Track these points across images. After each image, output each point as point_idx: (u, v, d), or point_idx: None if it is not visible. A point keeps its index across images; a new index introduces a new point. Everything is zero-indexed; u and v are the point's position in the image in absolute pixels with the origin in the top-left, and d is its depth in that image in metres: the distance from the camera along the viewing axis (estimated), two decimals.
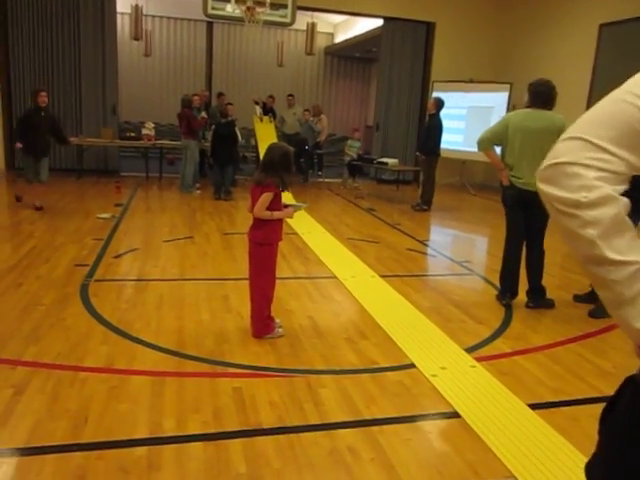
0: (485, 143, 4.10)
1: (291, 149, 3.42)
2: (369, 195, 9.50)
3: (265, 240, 3.32)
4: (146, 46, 12.53)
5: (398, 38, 10.75)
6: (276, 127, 10.13)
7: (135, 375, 2.82)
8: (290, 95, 10.69)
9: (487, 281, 4.87)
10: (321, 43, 15.86)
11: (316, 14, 10.70)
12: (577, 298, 4.46)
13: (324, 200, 9.08)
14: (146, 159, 9.53)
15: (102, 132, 9.17)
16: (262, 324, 3.40)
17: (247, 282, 3.45)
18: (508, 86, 9.87)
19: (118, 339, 3.24)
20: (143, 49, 12.67)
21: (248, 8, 7.39)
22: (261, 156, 9.66)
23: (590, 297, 4.37)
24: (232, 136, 8.16)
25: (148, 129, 9.30)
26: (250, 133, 11.56)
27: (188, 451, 2.22)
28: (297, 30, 15.55)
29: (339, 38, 16.00)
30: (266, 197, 3.24)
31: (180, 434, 2.33)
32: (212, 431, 2.37)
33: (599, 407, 2.71)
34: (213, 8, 7.63)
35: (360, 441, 2.37)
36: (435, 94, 10.22)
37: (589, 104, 8.56)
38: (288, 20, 7.81)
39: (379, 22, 11.99)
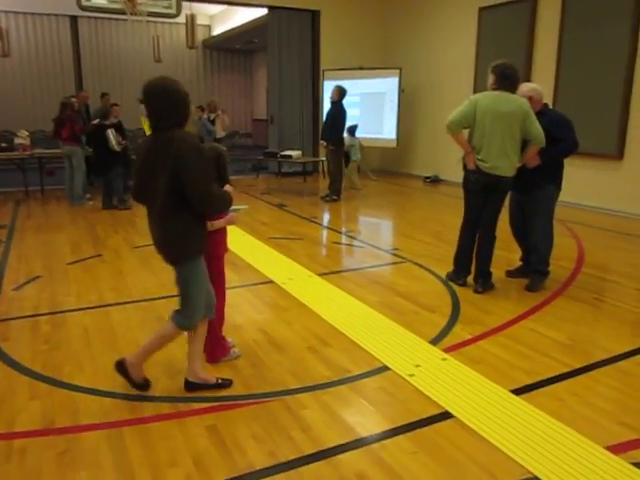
0: (455, 126, 3.96)
1: (224, 149, 3.09)
2: (275, 190, 9.24)
3: (211, 253, 2.97)
4: (2, 46, 11.17)
5: (284, 27, 10.53)
6: None
7: (85, 432, 2.37)
8: None
9: (422, 267, 4.85)
10: (199, 36, 15.22)
11: (192, 5, 10.15)
12: (509, 273, 4.58)
13: None
14: (23, 172, 8.49)
15: None
16: (216, 346, 3.06)
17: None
18: (398, 71, 10.06)
19: (49, 389, 2.74)
20: (0, 49, 11.28)
21: None
22: None
23: (521, 271, 4.52)
24: (103, 141, 7.38)
25: (22, 138, 8.27)
26: (138, 134, 10.79)
27: None
28: (172, 23, 14.78)
29: (217, 30, 15.45)
30: None
31: None
32: None
33: (576, 382, 2.71)
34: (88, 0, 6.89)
35: (366, 464, 2.17)
36: (327, 83, 10.18)
37: (475, 85, 8.97)
38: (173, 11, 7.29)
39: (259, 12, 11.70)
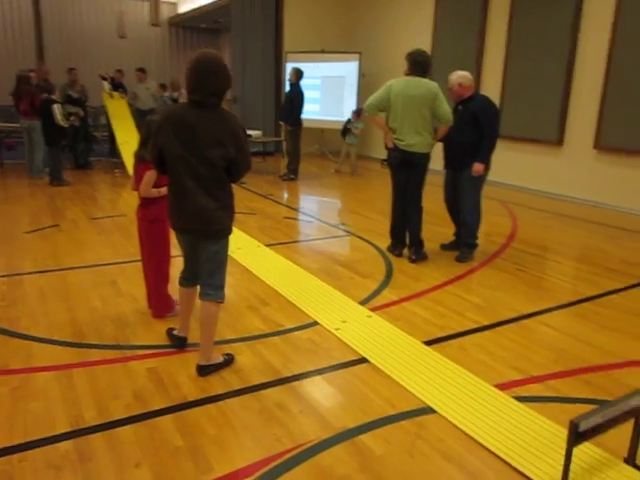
0: (371, 109, 4.36)
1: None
2: None
3: (157, 217, 3.24)
4: None
5: (247, 9, 10.65)
6: (129, 103, 9.59)
7: (37, 372, 2.65)
8: (140, 69, 10.14)
9: (364, 240, 5.21)
10: (164, 14, 15.14)
11: None
12: (444, 247, 4.97)
13: None
14: None
15: None
16: (162, 303, 3.35)
17: (132, 265, 3.37)
18: (358, 55, 10.33)
19: (5, 339, 2.99)
20: None
21: None
22: (115, 134, 9.12)
23: (454, 245, 4.91)
24: (48, 114, 7.42)
25: None
26: (99, 110, 10.82)
27: (118, 436, 2.18)
28: (137, 0, 14.70)
29: (183, 8, 15.37)
30: (150, 175, 3.15)
31: (105, 421, 2.27)
32: (137, 413, 2.34)
33: (482, 336, 3.13)
34: None
35: (286, 397, 2.50)
36: (289, 65, 10.38)
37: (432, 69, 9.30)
38: None
39: None
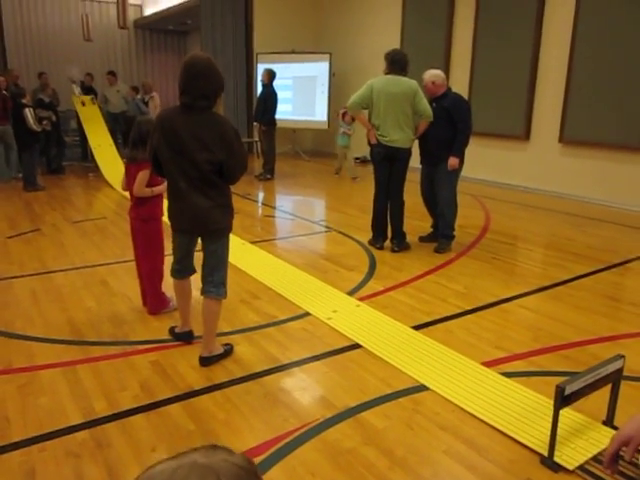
0: (354, 107, 4.54)
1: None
2: None
3: (150, 216, 3.33)
4: None
5: (217, 10, 10.71)
6: (100, 107, 9.54)
7: (41, 370, 2.71)
8: (110, 73, 10.10)
9: (345, 234, 5.36)
10: (130, 16, 15.00)
11: None
12: (422, 239, 5.16)
13: None
14: None
15: None
16: (157, 300, 3.43)
17: (121, 265, 3.44)
18: (328, 56, 10.49)
19: (4, 340, 3.03)
20: None
21: None
22: (88, 138, 9.05)
23: (431, 237, 5.10)
24: (19, 118, 7.38)
25: None
26: (69, 114, 10.70)
27: (132, 424, 2.27)
28: (102, 2, 14.57)
29: (148, 11, 15.29)
30: (143, 175, 3.23)
31: (116, 411, 2.36)
32: (147, 402, 2.44)
33: (465, 319, 3.32)
34: None
35: (288, 381, 2.64)
36: (260, 65, 10.47)
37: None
38: None
39: None
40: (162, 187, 3.32)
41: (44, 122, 7.91)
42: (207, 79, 2.53)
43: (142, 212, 3.31)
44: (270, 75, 8.16)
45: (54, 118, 8.50)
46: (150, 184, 3.27)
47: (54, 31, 14.23)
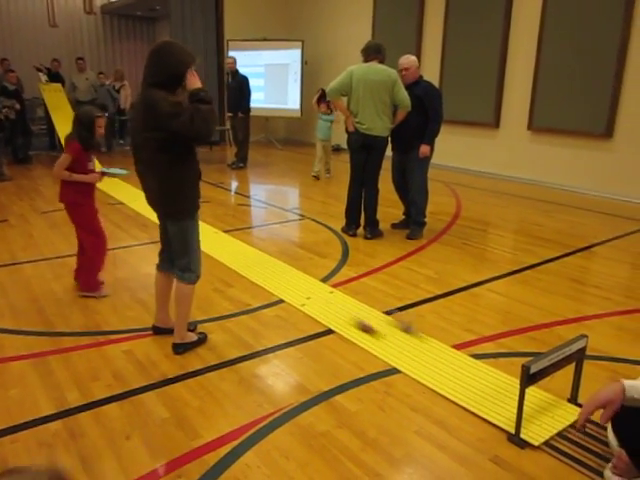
0: (334, 93, 4.54)
1: (96, 109, 3.49)
2: None
3: (73, 201, 3.43)
4: None
5: None
6: (67, 94, 9.32)
7: (11, 362, 2.67)
8: (80, 59, 9.86)
9: (318, 222, 5.38)
10: (97, 1, 14.64)
11: None
12: (394, 226, 5.22)
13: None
14: None
15: None
16: (91, 280, 3.49)
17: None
18: (300, 43, 10.43)
19: None
20: None
21: None
22: (56, 127, 8.85)
23: (404, 224, 5.16)
24: None
25: None
26: (34, 102, 10.44)
27: (106, 413, 2.27)
28: None
29: None
30: (64, 158, 3.31)
31: (89, 401, 2.35)
32: (120, 391, 2.43)
33: (436, 304, 3.37)
34: None
35: (262, 367, 2.65)
36: (231, 53, 10.36)
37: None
38: None
39: None
40: (83, 176, 3.37)
41: (4, 110, 7.69)
42: (150, 62, 2.51)
43: (64, 196, 3.45)
44: (234, 61, 8.10)
45: (17, 106, 8.26)
46: (75, 169, 3.31)
47: (18, 16, 13.80)
